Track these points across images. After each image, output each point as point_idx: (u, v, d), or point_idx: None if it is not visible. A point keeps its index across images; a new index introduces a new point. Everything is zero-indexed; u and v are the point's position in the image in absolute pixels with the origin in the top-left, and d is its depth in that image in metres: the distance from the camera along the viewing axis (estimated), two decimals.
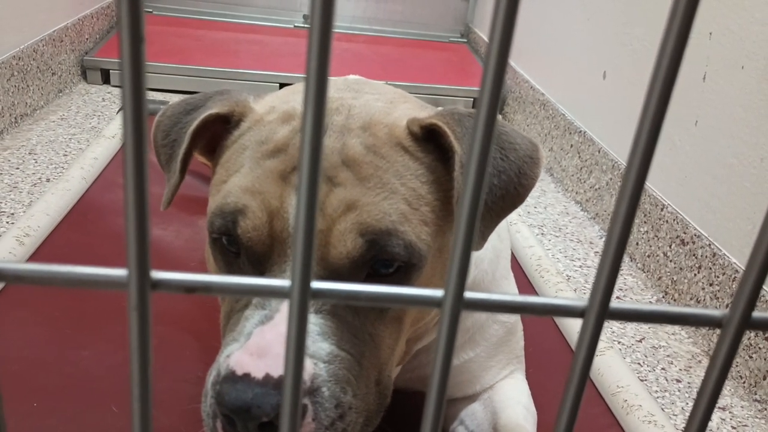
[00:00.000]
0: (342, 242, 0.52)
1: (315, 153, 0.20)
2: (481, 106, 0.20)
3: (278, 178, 0.54)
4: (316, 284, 0.23)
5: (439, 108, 0.61)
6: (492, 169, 0.56)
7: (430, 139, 0.57)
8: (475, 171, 0.20)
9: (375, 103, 0.59)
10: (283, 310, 0.51)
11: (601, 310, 0.24)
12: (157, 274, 0.22)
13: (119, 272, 0.22)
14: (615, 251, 0.23)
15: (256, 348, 0.50)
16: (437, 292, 0.24)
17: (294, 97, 0.61)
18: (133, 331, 0.22)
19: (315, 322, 0.52)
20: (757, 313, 0.25)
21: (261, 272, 0.55)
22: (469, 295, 0.24)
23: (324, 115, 0.20)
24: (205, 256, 0.64)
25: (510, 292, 0.67)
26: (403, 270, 0.54)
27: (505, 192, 0.56)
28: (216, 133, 0.61)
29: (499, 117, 0.51)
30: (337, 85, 0.64)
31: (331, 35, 0.19)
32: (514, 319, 0.74)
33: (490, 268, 0.70)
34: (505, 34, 0.18)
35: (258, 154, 0.56)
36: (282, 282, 0.23)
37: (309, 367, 0.50)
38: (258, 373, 0.49)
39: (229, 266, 0.57)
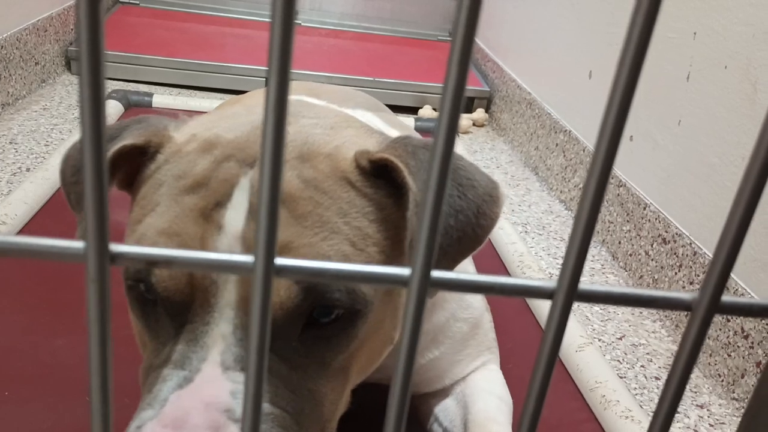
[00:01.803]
0: (274, 291, 0.46)
1: (279, 129, 0.20)
2: (438, 136, 0.20)
3: (198, 216, 0.48)
4: (280, 260, 0.23)
5: (390, 135, 0.56)
6: (448, 208, 0.50)
7: (379, 174, 0.51)
8: (432, 206, 0.20)
9: (313, 130, 0.53)
10: (204, 371, 0.45)
11: (569, 291, 0.24)
12: (117, 247, 0.22)
13: (78, 244, 0.22)
14: (583, 231, 0.23)
15: (171, 420, 0.43)
16: (404, 270, 0.23)
17: (219, 124, 0.54)
18: (91, 304, 0.22)
19: (241, 380, 0.45)
20: (726, 297, 0.25)
21: (181, 323, 0.48)
22: (436, 273, 0.23)
23: (286, 116, 0.20)
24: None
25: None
26: (346, 317, 0.48)
27: (462, 234, 0.50)
28: (135, 166, 0.55)
29: (456, 151, 0.46)
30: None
31: (292, 31, 0.18)
32: (478, 314, 0.72)
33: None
34: (461, 67, 0.18)
35: (175, 190, 0.49)
36: (245, 258, 0.23)
37: None
38: None
39: (146, 316, 0.50)
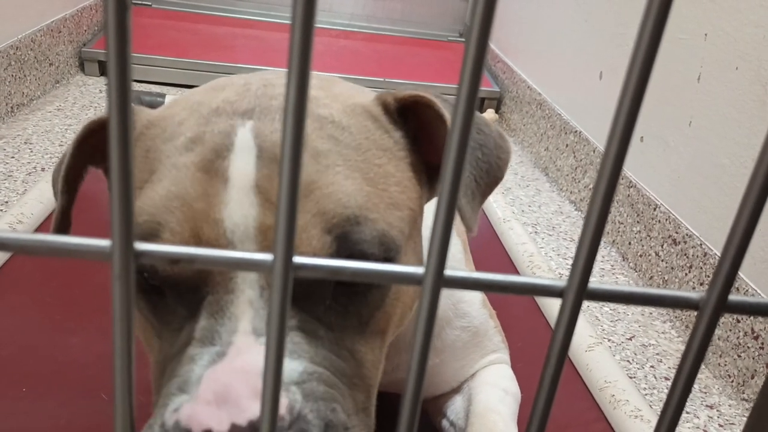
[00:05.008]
0: (306, 242, 0.42)
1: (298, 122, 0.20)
2: (465, 66, 0.20)
3: (198, 172, 0.43)
4: (298, 259, 0.24)
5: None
6: (473, 143, 0.51)
7: (403, 116, 0.50)
8: (458, 141, 0.20)
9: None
10: (236, 343, 0.40)
11: (579, 290, 0.24)
12: (142, 246, 0.23)
13: (103, 242, 0.22)
14: (594, 231, 0.24)
15: (213, 395, 0.39)
16: (418, 269, 0.24)
17: (200, 90, 0.51)
18: (116, 301, 0.23)
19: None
20: (734, 296, 0.25)
21: (197, 300, 0.43)
22: (449, 273, 0.24)
23: (307, 95, 0.20)
24: None
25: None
26: None
27: (489, 166, 0.52)
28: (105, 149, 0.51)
29: None
30: (254, 74, 0.53)
31: (312, 27, 0.19)
32: (477, 322, 0.71)
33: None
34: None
35: (168, 152, 0.45)
36: (264, 256, 0.23)
37: (281, 397, 0.40)
38: (222, 427, 0.37)
39: (155, 308, 0.45)
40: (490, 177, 0.52)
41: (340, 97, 0.49)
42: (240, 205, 0.42)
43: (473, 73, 0.20)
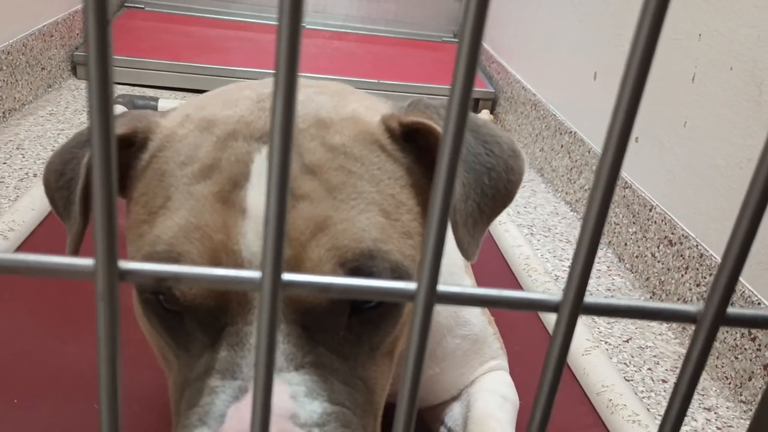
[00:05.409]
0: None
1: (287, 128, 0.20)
2: (455, 82, 0.20)
3: (216, 202, 0.43)
4: (287, 276, 0.23)
5: (403, 102, 0.53)
6: (480, 166, 0.50)
7: (407, 139, 0.49)
8: (449, 153, 0.20)
9: (319, 97, 0.49)
10: None
11: (575, 304, 0.24)
12: (126, 264, 0.22)
13: (87, 261, 0.22)
14: (589, 245, 0.23)
15: None
16: (410, 285, 0.23)
17: (210, 101, 0.50)
18: (100, 322, 0.22)
19: (299, 381, 0.42)
20: (732, 309, 0.25)
21: (218, 329, 0.43)
22: (442, 288, 0.24)
23: (295, 104, 0.20)
24: (135, 314, 0.50)
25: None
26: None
27: (496, 191, 0.51)
28: (122, 162, 0.50)
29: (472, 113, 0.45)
30: (263, 84, 0.52)
31: (299, 29, 0.19)
32: (477, 330, 0.70)
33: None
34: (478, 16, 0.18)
35: (183, 179, 0.45)
36: (252, 273, 0.23)
37: None
38: None
39: (173, 332, 0.46)
40: (497, 202, 0.51)
41: (353, 119, 0.48)
42: (257, 237, 0.43)
43: (466, 76, 0.20)
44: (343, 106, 0.49)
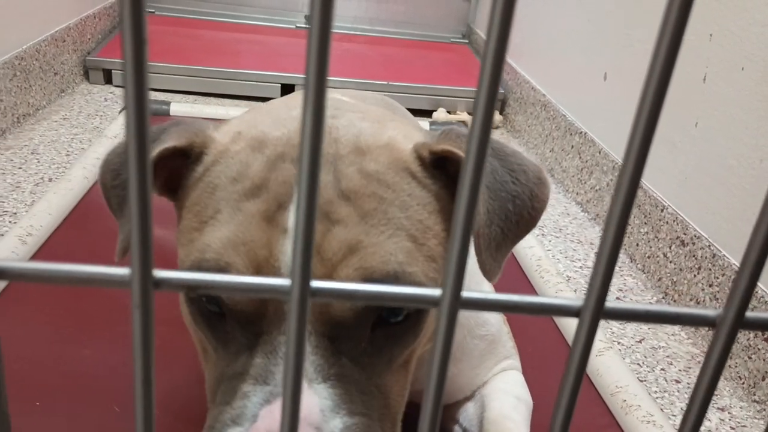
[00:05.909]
0: None
1: (314, 159, 0.20)
2: (477, 107, 0.20)
3: (262, 221, 0.47)
4: (315, 283, 0.24)
5: (436, 129, 0.55)
6: (506, 194, 0.52)
7: (436, 166, 0.52)
8: (476, 148, 0.21)
9: (361, 123, 0.53)
10: None
11: (596, 310, 0.24)
12: (160, 273, 0.23)
13: (122, 271, 0.23)
14: (611, 250, 0.24)
15: (267, 431, 0.43)
16: (435, 291, 0.24)
17: (261, 120, 0.53)
18: (136, 329, 0.23)
19: (326, 395, 0.45)
20: (750, 313, 0.25)
21: (256, 334, 0.47)
22: (466, 294, 0.24)
23: (324, 121, 0.21)
24: (181, 311, 0.55)
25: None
26: (414, 314, 0.49)
27: (520, 218, 0.53)
28: (176, 170, 0.54)
29: (499, 138, 0.46)
30: None
31: (329, 37, 0.19)
32: (495, 330, 0.72)
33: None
34: (500, 45, 0.19)
35: (234, 195, 0.48)
36: (283, 281, 0.23)
37: None
38: None
39: (214, 330, 0.49)
40: (520, 227, 0.53)
41: (388, 147, 0.51)
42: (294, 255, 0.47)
43: (487, 99, 0.20)
44: (381, 133, 0.52)
